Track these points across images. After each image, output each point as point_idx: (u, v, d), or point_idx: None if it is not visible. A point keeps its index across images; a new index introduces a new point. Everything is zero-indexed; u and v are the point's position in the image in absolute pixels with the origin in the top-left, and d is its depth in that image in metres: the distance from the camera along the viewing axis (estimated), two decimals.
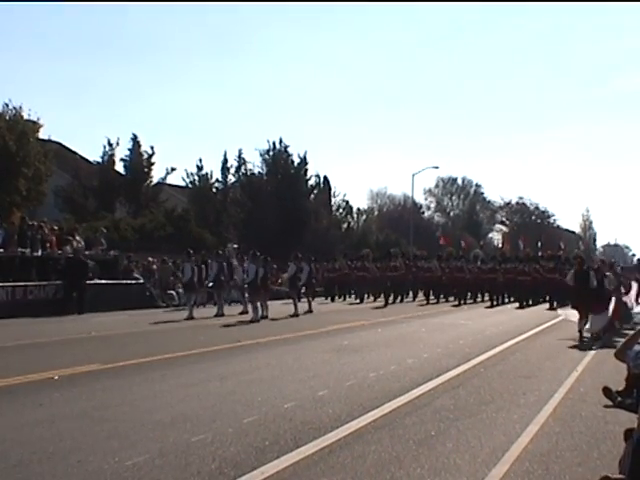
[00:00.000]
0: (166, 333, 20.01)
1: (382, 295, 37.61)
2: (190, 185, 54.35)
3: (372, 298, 39.25)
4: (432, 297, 39.17)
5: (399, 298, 38.90)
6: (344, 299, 40.33)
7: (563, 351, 16.76)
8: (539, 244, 51.02)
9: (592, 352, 16.33)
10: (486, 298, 38.75)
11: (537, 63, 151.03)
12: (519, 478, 6.61)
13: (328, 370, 12.82)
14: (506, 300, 38.17)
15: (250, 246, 48.16)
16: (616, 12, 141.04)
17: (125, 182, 49.32)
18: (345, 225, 66.09)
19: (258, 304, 24.75)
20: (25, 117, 38.11)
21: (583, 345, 18.15)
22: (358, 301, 38.41)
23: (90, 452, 7.14)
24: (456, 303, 37.08)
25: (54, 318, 23.88)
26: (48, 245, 28.61)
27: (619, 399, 9.92)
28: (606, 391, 10.25)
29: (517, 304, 35.60)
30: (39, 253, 27.74)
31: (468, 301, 38.37)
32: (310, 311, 28.20)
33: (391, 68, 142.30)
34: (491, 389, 11.21)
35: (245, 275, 26.57)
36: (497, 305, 35.88)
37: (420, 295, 41.28)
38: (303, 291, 30.50)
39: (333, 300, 39.42)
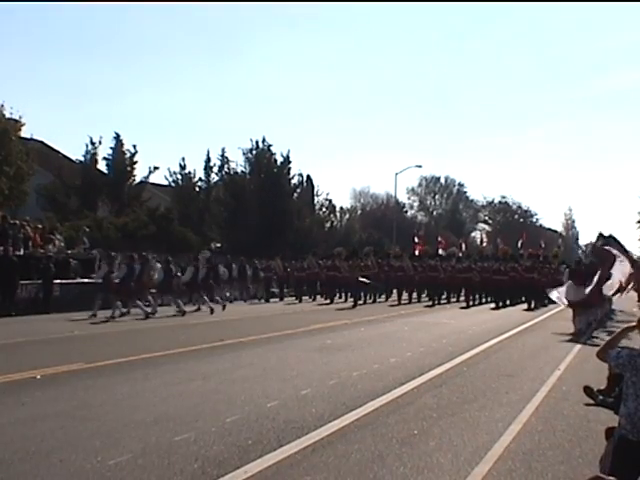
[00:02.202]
0: (149, 332, 19.93)
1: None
2: (173, 184, 54.21)
3: (343, 298, 37.69)
4: (405, 297, 37.97)
5: (370, 298, 37.20)
6: (313, 299, 38.16)
7: (545, 350, 16.83)
8: (519, 243, 50.64)
9: (574, 351, 16.42)
10: (462, 298, 37.49)
11: (520, 63, 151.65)
12: (502, 477, 6.64)
13: (311, 369, 12.82)
14: (482, 300, 37.12)
15: (233, 245, 48.32)
16: (599, 12, 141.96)
17: (108, 181, 49.11)
18: (328, 224, 66.11)
19: (139, 302, 25.33)
20: (7, 115, 37.86)
21: (569, 341, 18.63)
22: (328, 301, 36.21)
23: (72, 451, 7.11)
24: (429, 304, 35.58)
25: (36, 317, 23.77)
26: (30, 244, 28.50)
27: (600, 397, 9.99)
28: (587, 390, 10.32)
29: (493, 304, 34.71)
30: (21, 252, 27.59)
31: (442, 301, 37.19)
32: (211, 311, 26.95)
33: (374, 68, 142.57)
34: (474, 388, 11.25)
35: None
36: (473, 306, 34.77)
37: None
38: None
39: (300, 300, 37.02)
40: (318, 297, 38.77)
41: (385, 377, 11.99)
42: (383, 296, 39.62)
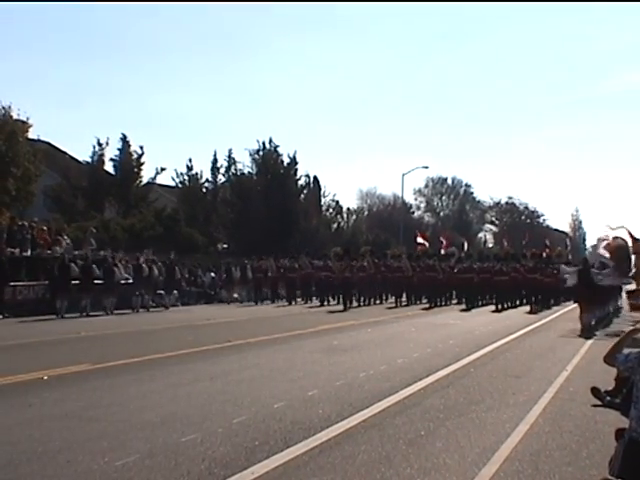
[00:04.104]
0: (156, 333, 19.97)
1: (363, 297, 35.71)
2: (180, 185, 54.18)
3: (337, 300, 34.89)
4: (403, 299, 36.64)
5: (366, 301, 36.02)
6: (306, 301, 36.67)
7: (552, 351, 16.80)
8: (523, 242, 49.83)
9: (582, 352, 16.38)
10: (462, 300, 36.05)
11: (526, 63, 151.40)
12: (509, 478, 6.62)
13: (318, 370, 12.82)
14: (483, 302, 35.77)
15: (239, 246, 48.32)
16: (603, 13, 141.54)
17: (114, 182, 49.10)
18: (335, 225, 66.05)
19: None
20: (14, 117, 37.93)
21: (582, 337, 19.57)
22: (319, 303, 34.83)
23: (79, 452, 7.12)
24: (427, 306, 34.35)
25: (43, 318, 23.83)
26: (43, 244, 28.67)
27: (608, 399, 9.96)
28: (594, 391, 10.30)
29: (493, 307, 33.36)
30: (28, 253, 27.67)
31: (441, 303, 35.64)
32: None
33: (381, 69, 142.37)
34: (481, 389, 11.23)
35: None
36: (473, 307, 33.27)
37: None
38: None
39: (291, 303, 35.55)
40: (312, 299, 37.41)
41: (392, 378, 11.98)
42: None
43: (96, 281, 27.46)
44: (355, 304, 34.33)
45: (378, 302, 37.06)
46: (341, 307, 32.18)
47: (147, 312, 28.42)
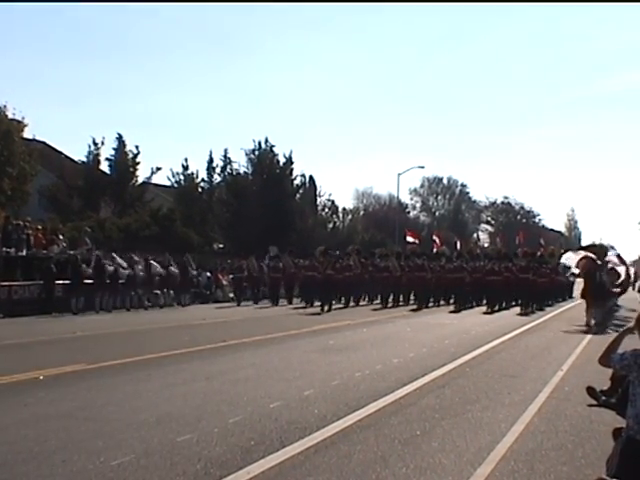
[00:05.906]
0: (152, 333, 19.94)
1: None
2: (175, 185, 54.12)
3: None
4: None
5: (352, 301, 34.58)
6: (290, 302, 34.99)
7: (548, 351, 16.81)
8: (516, 241, 49.24)
9: (577, 351, 16.41)
10: (451, 301, 35.08)
11: (522, 63, 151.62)
12: (504, 477, 6.62)
13: (314, 370, 12.81)
14: (474, 303, 34.15)
15: (235, 246, 48.30)
16: (601, 13, 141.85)
17: (110, 182, 49.04)
18: (331, 225, 66.03)
19: None
20: (9, 116, 37.92)
21: (584, 333, 20.56)
22: (304, 304, 32.94)
23: (75, 452, 7.11)
24: (416, 307, 33.08)
25: (39, 318, 23.81)
26: (33, 244, 28.67)
27: (603, 398, 9.98)
28: (590, 391, 10.31)
29: (485, 308, 31.74)
30: (24, 253, 27.65)
31: (430, 304, 34.10)
32: None
33: (377, 69, 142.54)
34: (476, 388, 11.23)
35: None
36: (463, 309, 31.80)
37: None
38: None
39: (275, 304, 34.02)
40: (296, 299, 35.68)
41: (388, 378, 11.99)
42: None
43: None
44: (340, 305, 33.27)
45: (364, 303, 36.10)
46: (326, 308, 30.11)
47: (146, 311, 28.49)
